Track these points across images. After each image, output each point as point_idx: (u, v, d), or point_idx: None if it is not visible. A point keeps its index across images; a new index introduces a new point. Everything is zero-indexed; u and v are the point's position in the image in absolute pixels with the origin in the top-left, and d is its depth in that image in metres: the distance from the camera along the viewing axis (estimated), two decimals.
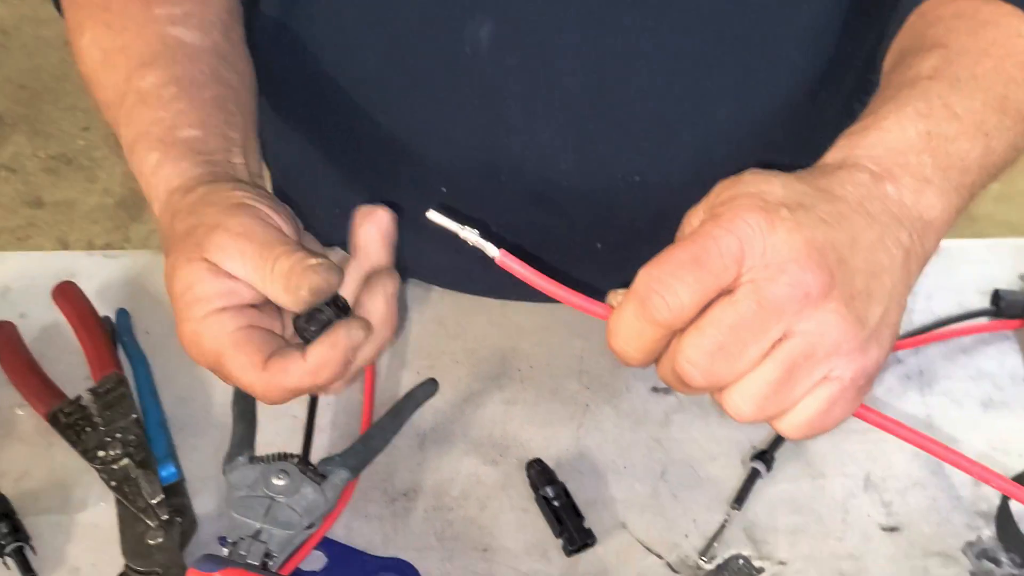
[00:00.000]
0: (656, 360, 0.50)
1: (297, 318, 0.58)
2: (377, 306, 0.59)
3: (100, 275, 0.82)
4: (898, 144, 0.53)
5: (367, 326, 0.58)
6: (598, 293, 0.52)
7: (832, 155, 0.54)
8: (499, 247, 0.51)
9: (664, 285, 0.46)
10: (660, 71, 0.69)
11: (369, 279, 0.60)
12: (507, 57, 0.68)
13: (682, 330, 0.47)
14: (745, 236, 0.46)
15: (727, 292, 0.47)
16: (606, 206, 0.75)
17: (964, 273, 0.83)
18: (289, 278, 0.55)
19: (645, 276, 0.47)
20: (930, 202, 0.52)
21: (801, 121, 0.73)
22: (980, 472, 0.55)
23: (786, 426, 0.49)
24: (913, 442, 0.53)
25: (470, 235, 0.51)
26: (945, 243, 0.87)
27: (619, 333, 0.49)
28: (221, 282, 0.56)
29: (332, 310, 0.58)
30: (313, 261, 0.55)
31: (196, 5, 0.66)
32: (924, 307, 0.80)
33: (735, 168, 0.52)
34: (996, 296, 0.79)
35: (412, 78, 0.71)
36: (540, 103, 0.70)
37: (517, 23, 0.67)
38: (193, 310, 0.57)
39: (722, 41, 0.69)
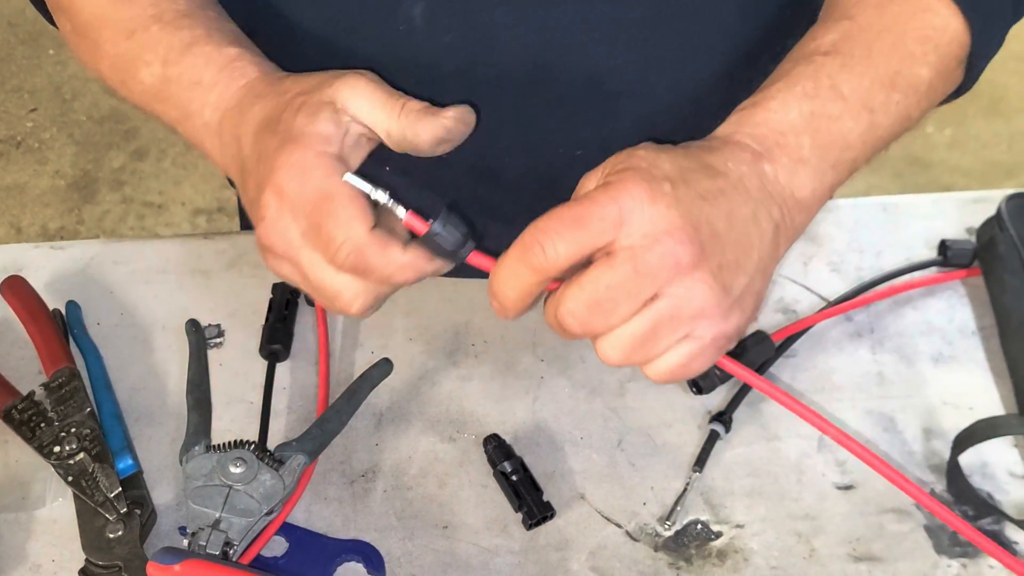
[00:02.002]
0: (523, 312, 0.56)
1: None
2: None
3: (48, 267, 0.81)
4: (780, 125, 0.58)
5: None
6: None
7: (723, 129, 0.59)
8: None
9: (546, 236, 0.52)
10: (598, 43, 0.69)
11: None
12: (442, 35, 0.68)
13: (557, 285, 0.54)
14: (626, 205, 0.52)
15: (605, 253, 0.52)
16: (549, 180, 0.74)
17: (911, 228, 0.83)
18: (422, 115, 0.58)
19: (531, 228, 0.53)
20: (803, 182, 0.58)
21: (741, 88, 0.73)
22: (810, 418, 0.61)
23: (649, 372, 0.55)
24: (763, 391, 0.60)
25: (381, 197, 0.56)
26: (892, 199, 0.89)
27: (499, 275, 0.55)
28: (345, 124, 0.57)
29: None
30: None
31: None
32: (873, 264, 0.81)
33: (677, 138, 0.57)
34: (943, 246, 0.80)
35: (351, 58, 0.70)
36: (478, 80, 0.69)
37: (450, 1, 0.67)
38: (313, 141, 0.56)
39: (660, 11, 0.69)
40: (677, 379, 0.55)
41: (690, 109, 0.72)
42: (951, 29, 0.63)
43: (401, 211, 0.56)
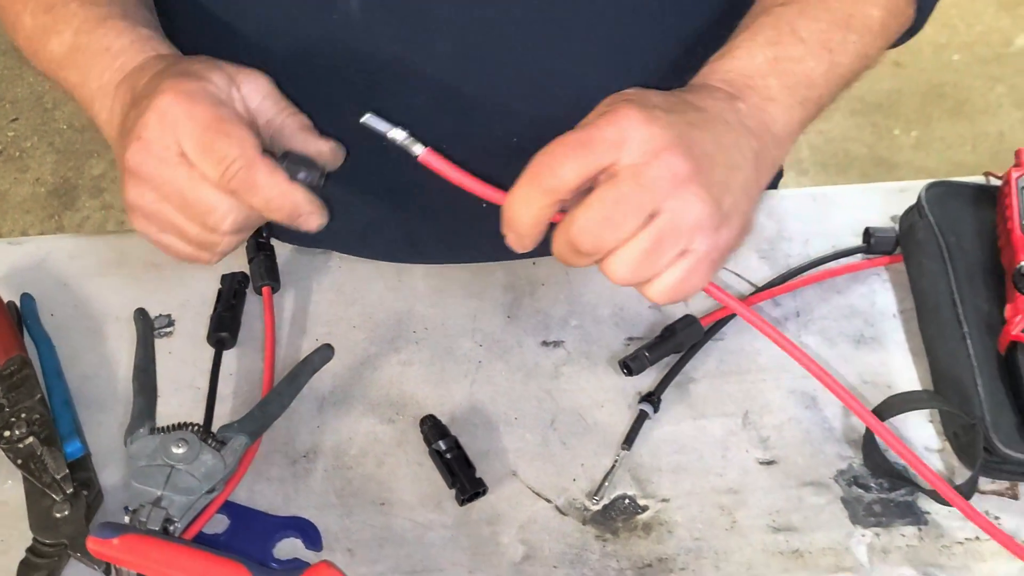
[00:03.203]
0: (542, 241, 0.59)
1: (288, 154, 0.63)
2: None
3: (5, 261, 0.84)
4: (747, 69, 0.64)
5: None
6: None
7: (695, 79, 0.65)
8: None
9: (554, 159, 0.57)
10: (531, 36, 0.72)
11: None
12: (377, 24, 0.71)
13: (561, 218, 0.57)
14: (625, 127, 0.56)
15: (608, 175, 0.56)
16: (485, 168, 0.77)
17: (838, 218, 0.86)
18: (304, 126, 0.65)
19: (539, 155, 0.57)
20: (773, 117, 0.63)
21: (678, 84, 0.76)
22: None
23: (653, 292, 0.59)
24: (746, 319, 0.64)
25: (398, 135, 0.61)
26: (821, 190, 0.92)
27: (513, 202, 0.58)
28: (234, 95, 0.62)
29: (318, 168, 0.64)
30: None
31: None
32: (800, 252, 0.84)
33: None
34: (867, 234, 0.83)
35: (288, 46, 0.73)
36: (413, 70, 0.72)
37: None
38: (204, 81, 0.60)
39: (595, 9, 0.72)
40: (677, 298, 0.59)
41: None
42: None
43: (419, 148, 0.60)
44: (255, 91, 0.63)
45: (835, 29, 0.67)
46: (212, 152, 0.59)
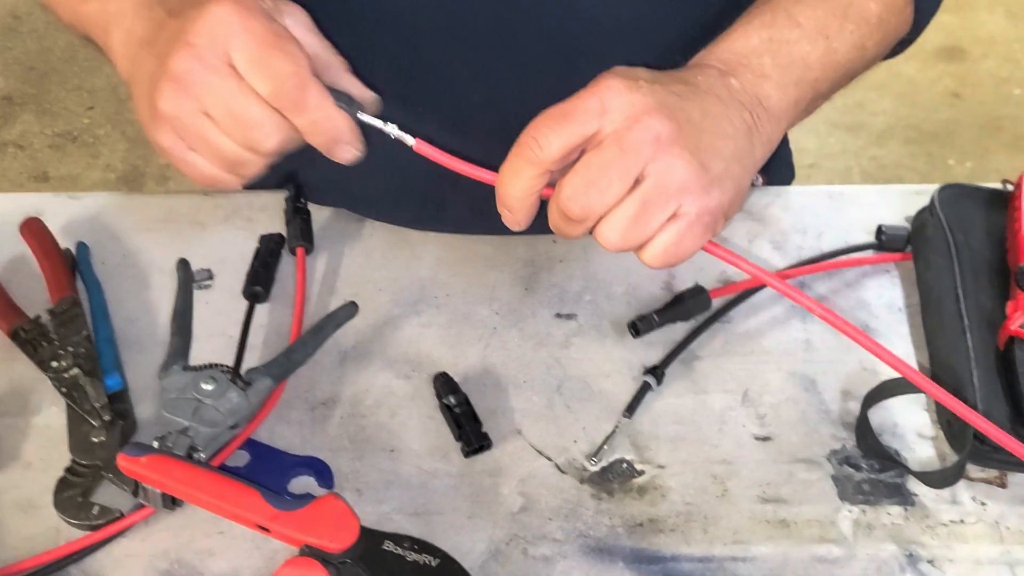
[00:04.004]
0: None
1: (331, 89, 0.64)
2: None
3: (64, 213, 0.90)
4: (742, 49, 0.67)
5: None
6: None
7: (691, 62, 0.68)
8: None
9: (539, 131, 0.59)
10: (564, 12, 0.76)
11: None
12: None
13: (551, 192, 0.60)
14: (606, 96, 0.59)
15: (594, 144, 0.59)
16: (517, 136, 0.82)
17: (853, 215, 0.89)
18: (346, 68, 0.66)
19: (525, 129, 0.60)
20: (767, 92, 0.65)
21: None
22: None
23: (647, 256, 0.61)
24: (750, 272, 0.65)
25: (392, 129, 0.64)
26: (838, 188, 0.95)
27: (502, 179, 0.61)
28: (278, 19, 0.63)
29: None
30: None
31: None
32: (813, 245, 0.87)
33: None
34: (879, 231, 0.86)
35: (336, 15, 0.77)
36: (454, 40, 0.77)
37: None
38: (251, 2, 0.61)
39: None
40: (673, 261, 0.61)
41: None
42: None
43: (410, 139, 0.64)
44: (298, 24, 0.64)
45: (832, 17, 0.69)
46: (266, 67, 0.59)
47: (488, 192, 0.78)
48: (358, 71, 0.72)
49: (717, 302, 0.82)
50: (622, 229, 0.60)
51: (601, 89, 0.59)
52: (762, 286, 0.83)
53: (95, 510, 0.70)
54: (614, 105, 0.59)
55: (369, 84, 0.73)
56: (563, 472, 0.74)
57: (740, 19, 0.69)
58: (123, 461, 0.67)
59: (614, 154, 0.58)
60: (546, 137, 0.59)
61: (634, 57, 0.78)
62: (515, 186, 0.61)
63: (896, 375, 0.76)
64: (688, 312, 0.80)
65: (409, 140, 0.65)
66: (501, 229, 0.87)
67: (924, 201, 0.87)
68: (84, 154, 2.41)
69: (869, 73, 0.77)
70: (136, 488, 0.70)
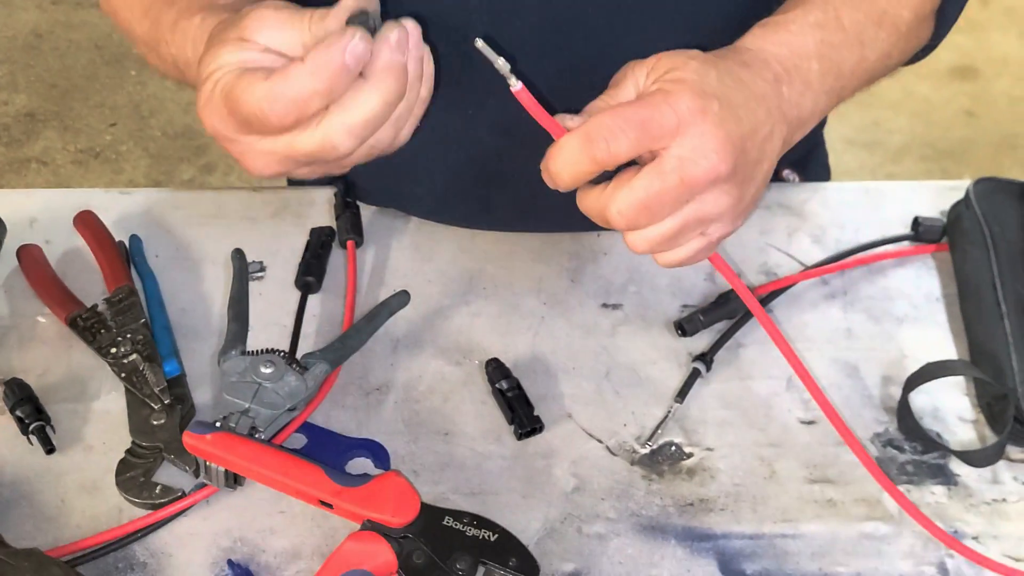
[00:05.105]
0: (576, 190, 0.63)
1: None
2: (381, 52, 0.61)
3: (116, 208, 0.92)
4: (799, 48, 0.67)
5: (367, 37, 0.59)
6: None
7: (749, 40, 0.67)
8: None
9: (611, 133, 0.59)
10: (608, 11, 0.78)
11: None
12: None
13: (609, 178, 0.60)
14: (683, 118, 0.59)
15: (656, 159, 0.59)
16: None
17: (890, 210, 0.91)
18: (326, 13, 0.61)
19: (598, 121, 0.59)
20: (806, 104, 0.66)
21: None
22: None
23: (661, 260, 0.63)
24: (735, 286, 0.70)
25: (503, 65, 0.62)
26: (874, 184, 0.97)
27: (559, 156, 0.61)
28: (248, 53, 0.61)
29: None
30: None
31: None
32: (852, 238, 0.89)
33: None
34: (916, 222, 0.88)
35: (385, 19, 0.80)
36: (501, 41, 0.79)
37: None
38: (216, 76, 0.61)
39: None
40: (681, 266, 0.64)
41: None
42: None
43: (516, 83, 0.62)
44: (270, 32, 0.62)
45: (870, 23, 0.70)
46: (243, 114, 0.59)
47: (533, 192, 0.80)
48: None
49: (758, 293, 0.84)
50: (654, 243, 0.62)
51: (680, 107, 0.59)
52: (803, 279, 0.85)
53: (157, 489, 0.72)
54: (689, 132, 0.59)
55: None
56: (614, 454, 0.76)
57: (795, 8, 0.68)
58: (189, 439, 0.69)
59: (674, 184, 0.59)
60: (618, 142, 0.59)
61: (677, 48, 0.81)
62: (568, 172, 0.62)
63: (937, 359, 0.77)
64: (733, 311, 0.82)
65: (515, 83, 0.63)
66: (546, 228, 0.90)
67: (957, 196, 0.89)
68: (107, 170, 2.44)
69: (885, 92, 0.78)
70: (197, 468, 0.71)
